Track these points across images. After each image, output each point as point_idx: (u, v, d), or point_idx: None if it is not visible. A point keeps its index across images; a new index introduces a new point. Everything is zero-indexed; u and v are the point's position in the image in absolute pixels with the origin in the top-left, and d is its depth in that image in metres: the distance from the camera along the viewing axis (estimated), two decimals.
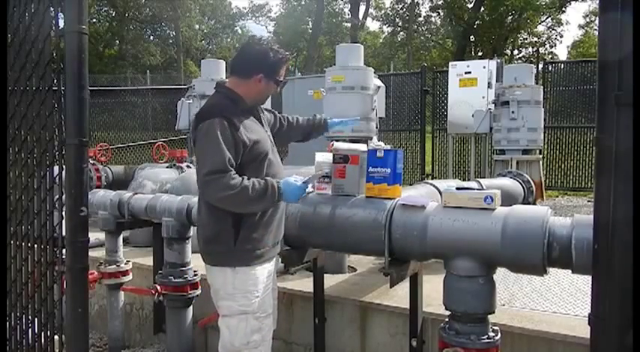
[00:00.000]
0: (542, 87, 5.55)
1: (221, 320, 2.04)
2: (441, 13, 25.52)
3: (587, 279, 1.33)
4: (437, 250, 1.89)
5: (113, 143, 10.86)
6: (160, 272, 2.99)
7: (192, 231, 2.89)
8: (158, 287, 2.89)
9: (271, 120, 2.32)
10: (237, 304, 1.98)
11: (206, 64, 6.38)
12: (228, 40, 29.95)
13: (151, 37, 26.13)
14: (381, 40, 29.55)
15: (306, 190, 2.00)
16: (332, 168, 2.22)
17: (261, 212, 1.97)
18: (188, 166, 5.33)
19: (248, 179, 1.91)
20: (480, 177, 6.12)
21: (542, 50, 23.52)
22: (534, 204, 3.36)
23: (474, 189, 2.11)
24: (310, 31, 25.51)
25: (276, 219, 2.06)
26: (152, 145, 7.54)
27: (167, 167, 5.68)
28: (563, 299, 2.99)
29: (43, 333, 1.63)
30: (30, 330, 1.68)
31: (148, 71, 14.03)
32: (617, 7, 1.16)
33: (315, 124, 2.41)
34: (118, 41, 25.21)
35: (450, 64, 6.95)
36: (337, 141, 2.79)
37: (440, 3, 24.86)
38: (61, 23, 1.50)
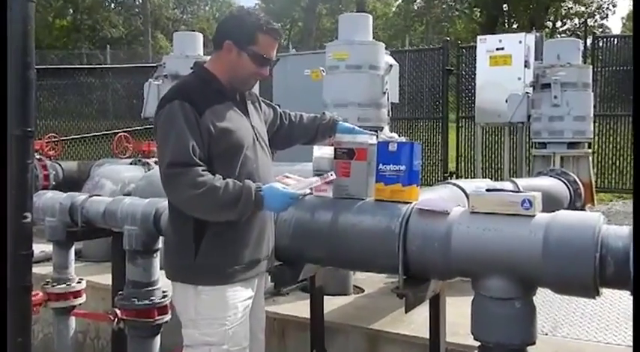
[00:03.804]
0: (591, 66, 5.54)
1: (184, 351, 2.05)
2: None
3: None
4: (463, 266, 1.89)
5: (64, 134, 10.84)
6: (120, 293, 2.98)
7: (162, 242, 2.87)
8: (118, 312, 2.88)
9: (270, 116, 2.33)
10: (199, 332, 1.98)
11: (179, 38, 6.37)
12: (207, 8, 29.98)
13: (112, 5, 26.14)
14: (393, 9, 29.59)
15: (296, 200, 1.98)
16: (334, 165, 2.22)
17: (231, 221, 1.94)
18: (157, 163, 5.31)
19: (223, 178, 1.90)
20: (516, 177, 6.12)
21: (590, 22, 23.57)
22: (583, 209, 3.36)
23: (508, 191, 2.10)
24: None
25: (254, 231, 2.03)
26: (113, 137, 7.54)
27: (131, 163, 5.68)
28: (617, 326, 2.98)
29: None
30: None
31: (108, 46, 14.01)
32: None
33: (322, 126, 2.39)
34: (71, 10, 25.21)
35: (479, 38, 6.94)
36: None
37: None
38: None
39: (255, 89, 2.27)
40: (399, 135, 2.44)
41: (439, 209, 1.96)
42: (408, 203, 2.06)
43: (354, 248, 2.08)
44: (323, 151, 2.31)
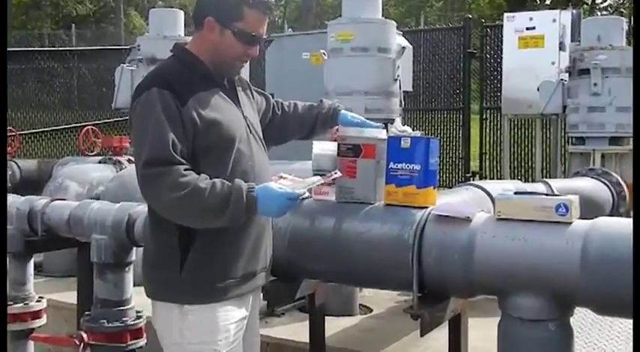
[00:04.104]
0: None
1: None
2: None
3: None
4: (488, 281, 1.89)
5: (22, 127, 10.87)
6: (87, 313, 2.97)
7: (136, 253, 2.88)
8: (84, 335, 2.88)
9: (262, 106, 2.34)
10: None
11: (156, 16, 6.38)
12: None
13: None
14: None
15: (296, 202, 1.98)
16: (337, 164, 2.22)
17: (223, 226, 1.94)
18: (130, 161, 5.32)
19: (209, 178, 1.89)
20: (549, 177, 6.12)
21: None
22: (628, 215, 3.36)
23: (540, 194, 2.11)
24: None
25: (251, 238, 2.04)
26: (79, 131, 7.55)
27: (99, 162, 5.69)
28: None
29: None
30: None
31: (73, 25, 14.04)
32: None
33: (321, 116, 2.38)
34: None
35: (506, 15, 6.96)
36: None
37: None
38: None
39: (245, 76, 2.27)
40: (413, 129, 2.44)
41: (460, 215, 1.96)
42: (423, 208, 2.06)
43: (361, 260, 2.08)
44: (324, 147, 2.29)
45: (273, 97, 2.43)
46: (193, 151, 1.93)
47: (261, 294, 2.23)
